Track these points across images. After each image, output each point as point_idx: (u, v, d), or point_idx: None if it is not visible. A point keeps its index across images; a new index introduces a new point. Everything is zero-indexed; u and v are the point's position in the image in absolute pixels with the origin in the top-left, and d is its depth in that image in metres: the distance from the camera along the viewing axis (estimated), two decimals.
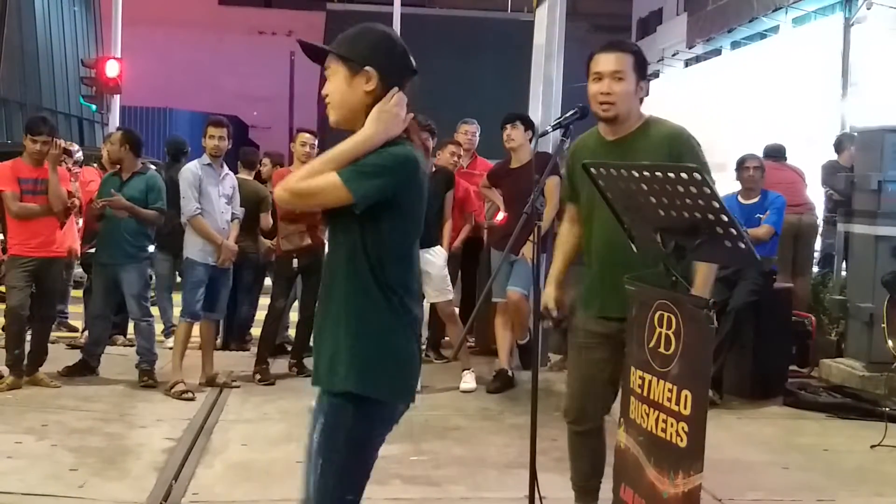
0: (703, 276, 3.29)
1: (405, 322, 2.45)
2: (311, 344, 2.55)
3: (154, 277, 7.33)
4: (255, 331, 7.38)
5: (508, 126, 6.37)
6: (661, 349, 2.78)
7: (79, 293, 7.62)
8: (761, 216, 6.44)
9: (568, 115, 3.50)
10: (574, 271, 3.80)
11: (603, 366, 3.50)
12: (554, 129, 3.46)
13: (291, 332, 7.36)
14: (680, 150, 3.35)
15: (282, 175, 6.76)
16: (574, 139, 3.58)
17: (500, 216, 6.77)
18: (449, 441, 5.17)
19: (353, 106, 2.44)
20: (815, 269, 8.97)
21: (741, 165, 6.63)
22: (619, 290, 3.38)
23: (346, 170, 2.34)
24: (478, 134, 7.85)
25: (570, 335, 3.74)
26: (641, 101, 3.50)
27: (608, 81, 3.37)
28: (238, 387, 6.27)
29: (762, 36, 20.38)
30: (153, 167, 6.80)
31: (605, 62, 3.39)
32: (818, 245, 9.12)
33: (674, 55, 26.13)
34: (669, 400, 2.72)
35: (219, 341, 7.12)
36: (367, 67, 2.41)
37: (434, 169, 6.53)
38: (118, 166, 6.49)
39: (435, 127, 6.58)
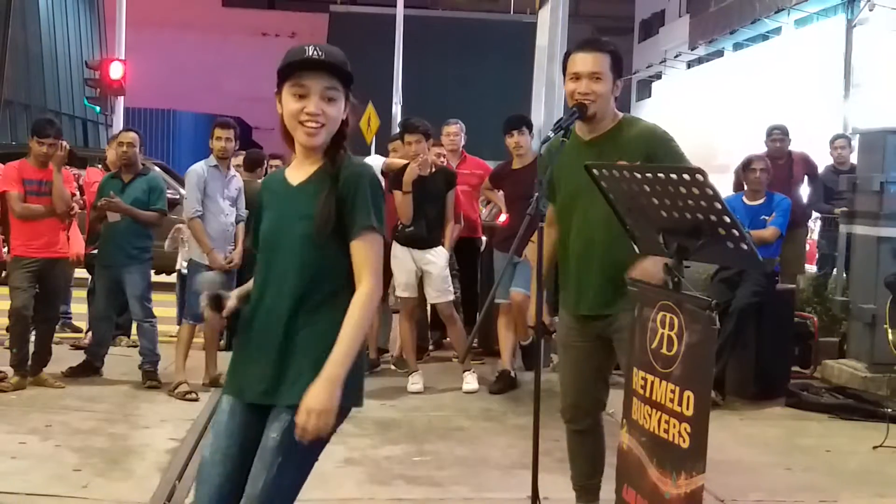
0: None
1: None
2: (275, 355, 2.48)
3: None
4: None
5: (515, 133, 6.33)
6: (664, 350, 2.79)
7: (82, 293, 7.62)
8: (766, 218, 6.41)
9: (567, 116, 3.50)
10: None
11: (587, 362, 3.52)
12: (556, 132, 3.46)
13: None
14: (656, 150, 3.35)
15: None
16: (551, 139, 3.53)
17: (503, 217, 6.76)
18: (452, 442, 5.18)
19: (335, 129, 2.50)
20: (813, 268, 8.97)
21: (747, 166, 6.56)
22: (593, 289, 3.41)
23: (365, 222, 2.41)
24: (462, 134, 7.51)
25: (556, 335, 3.75)
26: (617, 98, 3.52)
27: (586, 82, 3.37)
28: None
29: (764, 37, 20.41)
30: (158, 168, 6.79)
31: (583, 63, 3.39)
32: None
33: (676, 56, 26.19)
34: (672, 401, 2.73)
35: (222, 342, 7.11)
36: (350, 96, 2.51)
37: (433, 170, 6.51)
38: (121, 167, 6.49)
39: (430, 129, 6.50)
